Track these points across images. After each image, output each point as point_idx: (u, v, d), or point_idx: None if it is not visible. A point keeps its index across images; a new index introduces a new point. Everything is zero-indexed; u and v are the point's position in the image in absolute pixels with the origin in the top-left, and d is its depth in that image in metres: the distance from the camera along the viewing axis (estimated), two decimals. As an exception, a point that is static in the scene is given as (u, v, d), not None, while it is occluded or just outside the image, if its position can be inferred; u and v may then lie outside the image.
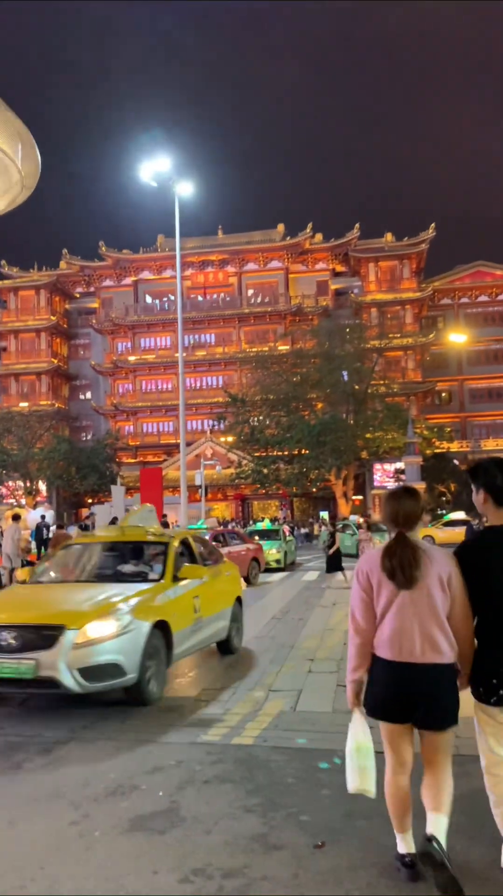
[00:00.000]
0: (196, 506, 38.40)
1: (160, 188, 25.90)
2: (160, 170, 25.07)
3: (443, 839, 2.77)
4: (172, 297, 57.44)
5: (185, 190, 25.96)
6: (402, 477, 42.37)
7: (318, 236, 58.92)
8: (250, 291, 58.64)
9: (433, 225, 56.03)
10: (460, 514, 32.71)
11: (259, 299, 58.11)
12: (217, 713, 5.31)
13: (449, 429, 50.88)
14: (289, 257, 58.29)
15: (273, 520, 43.44)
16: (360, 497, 49.18)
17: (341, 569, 16.55)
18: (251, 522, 39.85)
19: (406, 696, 2.83)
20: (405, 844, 2.92)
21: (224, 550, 15.77)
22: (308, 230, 57.55)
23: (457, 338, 25.42)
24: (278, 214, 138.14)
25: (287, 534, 25.54)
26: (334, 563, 16.92)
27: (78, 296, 62.12)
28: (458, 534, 30.95)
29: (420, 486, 40.37)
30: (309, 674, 6.57)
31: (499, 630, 2.80)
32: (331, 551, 17.12)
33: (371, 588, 2.92)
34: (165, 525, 22.87)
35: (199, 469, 33.95)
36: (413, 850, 2.88)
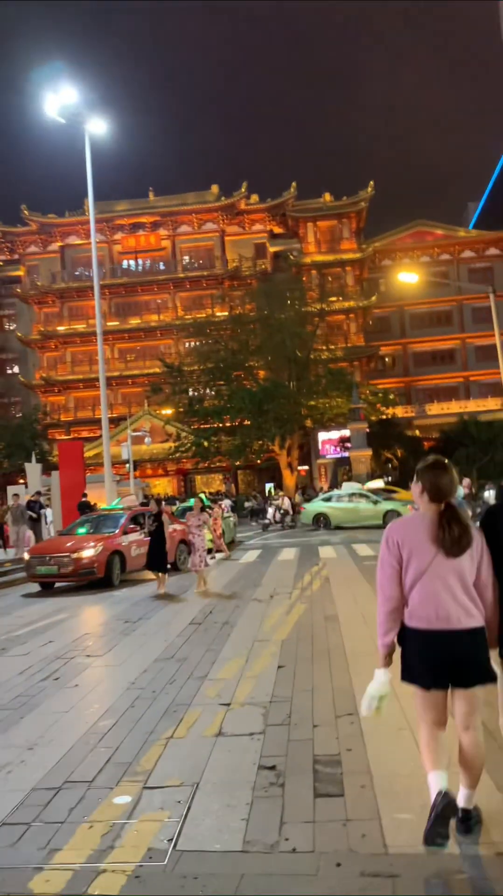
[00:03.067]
0: (127, 483, 35.74)
1: (75, 133, 23.01)
2: (68, 103, 22.00)
3: (471, 805, 3.02)
4: (104, 263, 54.26)
5: (99, 128, 22.91)
6: (348, 445, 40.65)
7: (254, 197, 56.22)
8: (185, 256, 55.63)
9: (372, 183, 53.83)
10: (379, 483, 30.86)
11: (194, 263, 55.17)
12: (30, 860, 2.87)
13: (392, 395, 49.35)
14: (224, 219, 55.36)
15: (215, 494, 41.12)
16: (306, 467, 47.34)
17: (164, 569, 11.31)
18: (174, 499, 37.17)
19: (443, 662, 2.89)
20: (439, 781, 2.90)
21: (141, 535, 13.38)
22: (243, 190, 54.66)
23: (408, 277, 23.09)
24: (212, 176, 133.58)
25: (225, 510, 23.16)
26: (157, 559, 11.33)
27: (1, 263, 57.84)
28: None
29: (366, 452, 38.68)
30: (217, 740, 4.17)
31: None
32: (148, 530, 11.68)
33: (401, 556, 2.95)
34: (87, 505, 20.31)
35: (127, 443, 31.10)
36: (446, 785, 2.88)
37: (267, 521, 24.43)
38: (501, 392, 53.43)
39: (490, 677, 2.91)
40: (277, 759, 3.80)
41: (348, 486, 27.56)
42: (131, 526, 13.05)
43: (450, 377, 55.06)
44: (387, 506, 23.13)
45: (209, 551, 16.61)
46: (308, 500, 36.93)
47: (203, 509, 12.37)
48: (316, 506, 25.16)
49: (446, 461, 3.08)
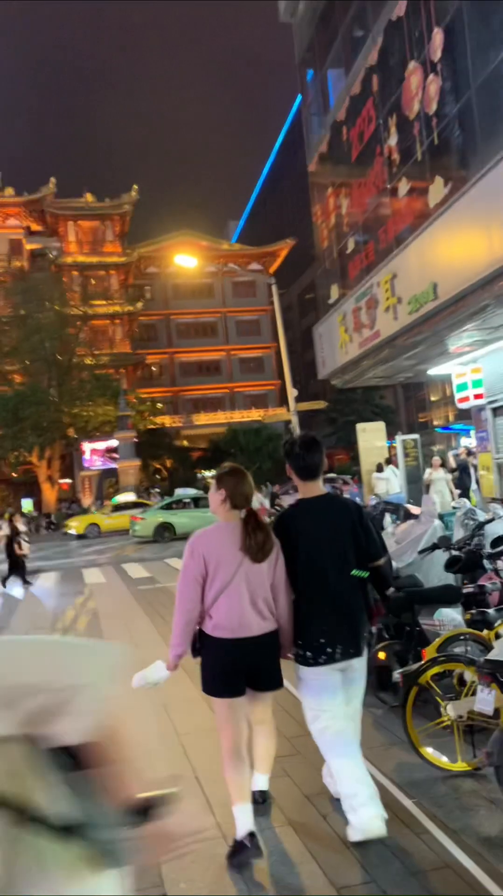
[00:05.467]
0: None
1: None
2: None
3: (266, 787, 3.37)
4: None
5: None
6: (115, 455, 38.44)
7: (10, 190, 51.74)
8: None
9: (136, 187, 52.38)
10: (130, 497, 29.93)
11: None
12: None
13: (160, 404, 48.19)
14: (-27, 211, 50.20)
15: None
16: (69, 480, 44.10)
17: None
18: None
19: (244, 668, 2.96)
20: (246, 819, 2.92)
21: None
22: (-6, 180, 50.04)
23: (185, 260, 21.09)
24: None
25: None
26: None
27: None
28: (126, 519, 26.42)
29: (134, 463, 36.74)
30: None
31: (317, 594, 3.01)
32: None
33: (206, 568, 2.92)
34: None
35: None
36: (253, 826, 2.93)
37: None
38: (264, 403, 55.12)
39: (280, 684, 3.08)
40: None
41: (182, 491, 25.17)
42: None
43: (216, 388, 55.39)
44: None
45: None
46: (71, 515, 33.94)
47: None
48: (157, 515, 22.10)
49: (240, 468, 3.11)
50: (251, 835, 2.86)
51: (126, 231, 53.44)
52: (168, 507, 22.69)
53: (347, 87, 12.97)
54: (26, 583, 13.15)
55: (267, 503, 20.65)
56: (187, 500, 22.83)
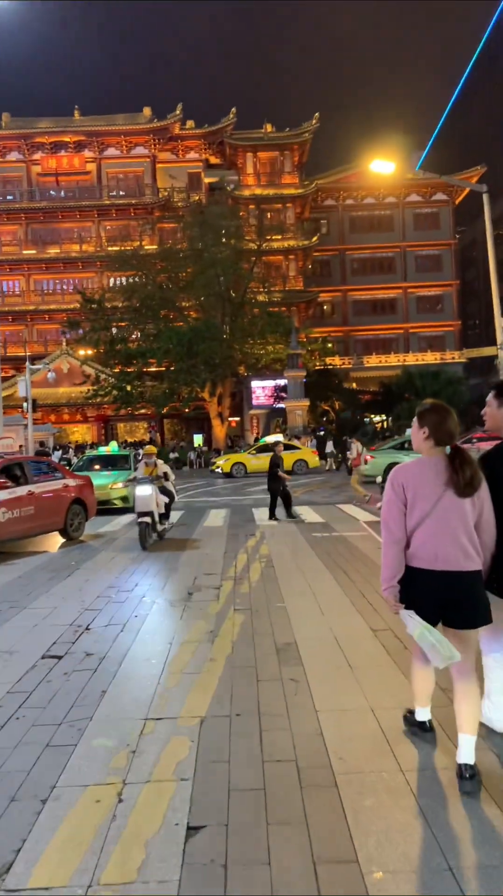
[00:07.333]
0: (41, 427, 31.83)
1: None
2: None
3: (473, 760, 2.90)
4: (21, 184, 48.91)
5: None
6: (283, 395, 37.72)
7: (190, 123, 51.43)
8: (112, 182, 50.56)
9: (317, 115, 49.82)
10: (277, 438, 28.73)
11: (122, 191, 50.22)
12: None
13: (330, 343, 46.53)
14: (156, 143, 50.45)
15: (138, 443, 37.52)
16: (237, 418, 44.22)
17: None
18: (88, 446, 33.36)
19: (441, 602, 2.91)
20: (424, 713, 3.33)
21: (22, 490, 9.92)
22: (178, 112, 49.78)
23: (382, 166, 17.99)
24: (145, 100, 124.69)
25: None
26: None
27: None
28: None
29: (303, 403, 35.83)
30: None
31: None
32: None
33: (405, 498, 2.96)
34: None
35: (25, 378, 26.86)
36: (430, 717, 3.33)
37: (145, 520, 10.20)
38: (441, 345, 51.71)
39: (487, 620, 2.92)
40: None
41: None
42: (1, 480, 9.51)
43: (390, 328, 52.66)
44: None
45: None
46: (235, 452, 33.86)
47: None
48: (388, 455, 20.61)
49: (445, 404, 3.07)
50: (428, 721, 3.09)
51: (305, 161, 51.46)
52: (401, 446, 21.18)
53: None
54: (290, 516, 13.05)
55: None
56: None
